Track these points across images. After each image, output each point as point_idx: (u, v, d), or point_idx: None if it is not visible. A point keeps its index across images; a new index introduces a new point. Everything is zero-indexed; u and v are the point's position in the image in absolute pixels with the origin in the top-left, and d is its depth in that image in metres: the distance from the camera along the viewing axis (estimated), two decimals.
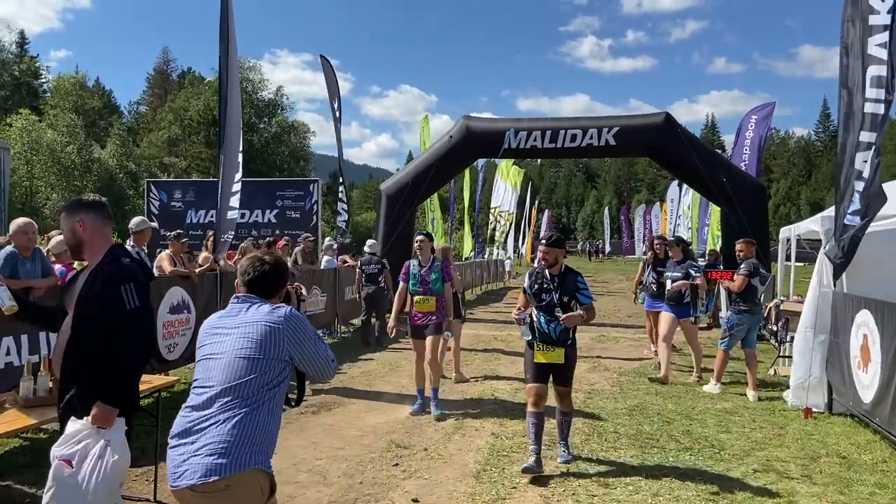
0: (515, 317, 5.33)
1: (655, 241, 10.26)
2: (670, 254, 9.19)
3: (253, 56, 55.48)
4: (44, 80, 61.48)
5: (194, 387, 2.70)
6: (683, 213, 27.60)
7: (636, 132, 14.66)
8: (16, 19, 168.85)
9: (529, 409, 5.29)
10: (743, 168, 15.90)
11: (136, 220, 8.07)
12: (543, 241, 5.36)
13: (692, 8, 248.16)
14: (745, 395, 7.84)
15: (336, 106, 16.56)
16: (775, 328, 10.74)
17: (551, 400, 5.45)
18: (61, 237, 6.74)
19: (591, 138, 14.65)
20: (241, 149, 8.76)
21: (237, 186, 8.78)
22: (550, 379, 5.30)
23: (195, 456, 2.49)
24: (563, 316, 5.05)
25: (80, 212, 3.10)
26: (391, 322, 7.23)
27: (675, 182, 29.80)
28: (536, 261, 5.37)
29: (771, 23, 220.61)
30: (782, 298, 10.96)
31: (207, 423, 2.53)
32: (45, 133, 41.15)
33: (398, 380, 8.65)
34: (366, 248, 11.97)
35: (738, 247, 8.34)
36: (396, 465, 5.38)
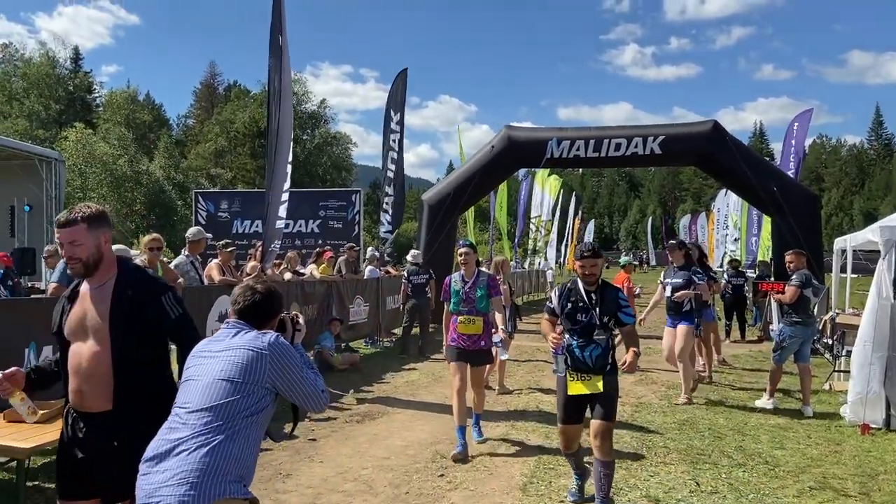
0: (552, 348, 4.70)
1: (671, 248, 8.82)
2: (671, 258, 8.61)
3: (295, 69, 56.34)
4: (97, 95, 63.57)
5: (173, 409, 2.59)
6: (731, 222, 27.06)
7: (683, 141, 14.45)
8: (70, 36, 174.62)
9: (564, 451, 4.83)
10: (790, 175, 15.60)
11: (192, 230, 8.26)
12: (583, 254, 4.61)
13: (738, 14, 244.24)
14: (800, 409, 7.62)
15: (398, 118, 16.29)
16: (830, 342, 10.41)
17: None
18: (120, 247, 6.92)
19: (636, 147, 14.48)
20: (289, 159, 8.91)
21: (285, 196, 8.92)
22: (588, 413, 4.64)
23: (165, 486, 2.35)
24: (626, 365, 4.41)
25: (104, 226, 2.84)
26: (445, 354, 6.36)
27: (723, 191, 29.26)
28: (579, 272, 4.63)
29: (819, 28, 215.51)
30: (837, 311, 10.63)
31: (180, 449, 2.40)
32: (98, 146, 42.46)
33: (441, 390, 8.64)
34: (409, 258, 12.01)
35: (788, 258, 8.14)
36: (442, 475, 5.36)
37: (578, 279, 4.65)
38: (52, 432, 3.47)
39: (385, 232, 16.94)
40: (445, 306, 6.29)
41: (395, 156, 14.82)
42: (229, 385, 2.52)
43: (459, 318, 6.05)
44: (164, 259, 7.47)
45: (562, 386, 4.63)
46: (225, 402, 2.50)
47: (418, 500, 4.87)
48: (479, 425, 6.35)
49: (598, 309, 4.52)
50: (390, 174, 14.72)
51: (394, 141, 14.78)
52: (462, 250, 6.24)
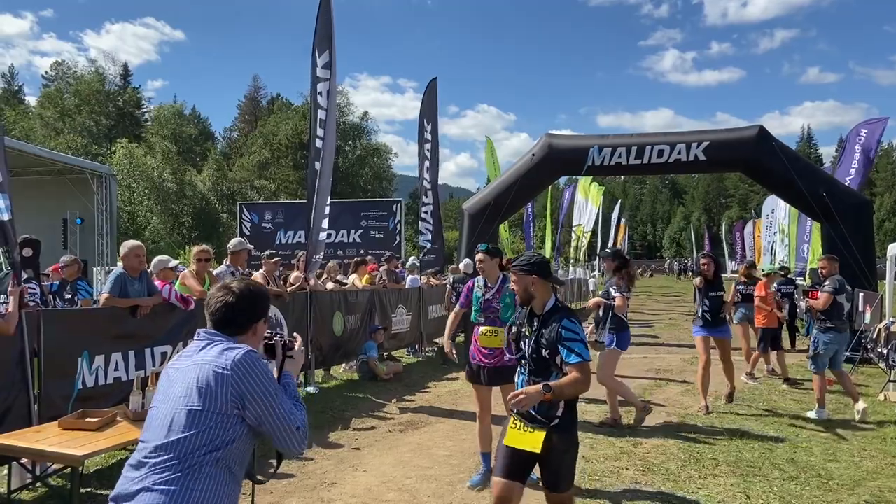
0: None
1: (703, 260, 8.37)
2: (604, 267, 8.54)
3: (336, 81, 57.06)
4: (145, 110, 65.38)
5: (139, 440, 2.31)
6: (780, 229, 26.45)
7: (728, 146, 14.17)
8: (117, 53, 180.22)
9: None
10: (847, 182, 15.11)
11: (234, 241, 8.41)
12: (513, 265, 3.72)
13: (781, 17, 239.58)
14: (853, 417, 7.40)
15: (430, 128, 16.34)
16: (885, 351, 10.08)
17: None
18: (163, 257, 7.09)
19: (680, 153, 14.25)
20: (332, 171, 9.05)
21: (328, 208, 9.05)
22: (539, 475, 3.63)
23: None
24: (514, 397, 3.23)
25: None
26: (446, 346, 6.03)
27: (771, 197, 28.64)
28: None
29: (867, 29, 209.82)
30: (892, 320, 10.29)
31: (138, 489, 2.11)
32: (145, 160, 43.64)
33: None
34: (462, 267, 12.00)
35: (820, 264, 8.07)
36: (484, 487, 5.32)
37: None
38: (104, 440, 3.56)
39: (425, 241, 17.00)
40: (457, 307, 5.80)
41: (429, 164, 14.89)
42: (189, 416, 2.14)
43: (481, 328, 5.40)
44: (212, 270, 7.61)
45: (506, 425, 3.63)
46: (183, 436, 2.12)
47: (457, 495, 4.84)
48: (484, 473, 5.32)
49: (534, 338, 3.49)
50: (426, 184, 14.80)
51: (427, 150, 14.85)
52: (477, 256, 5.53)
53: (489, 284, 5.48)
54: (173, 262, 6.96)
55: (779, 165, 13.66)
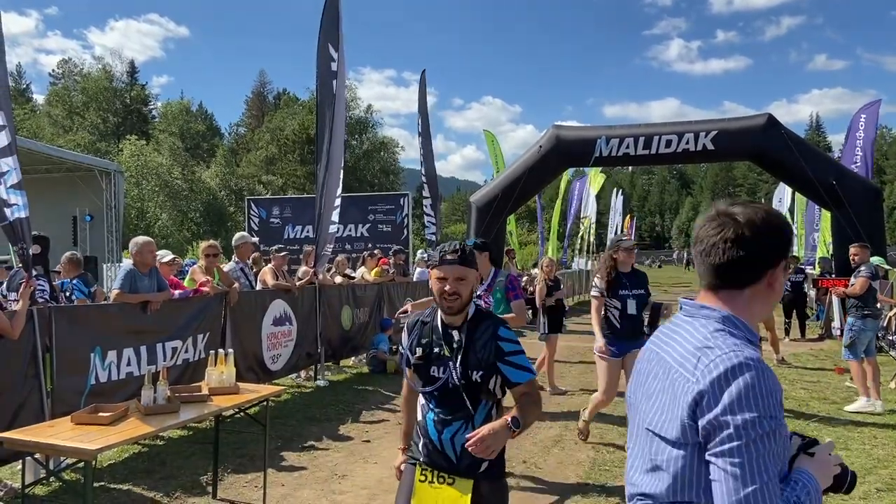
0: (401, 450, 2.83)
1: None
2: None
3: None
4: (152, 107, 65.54)
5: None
6: (787, 218, 26.29)
7: (736, 135, 14.10)
8: (122, 50, 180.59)
9: None
10: (854, 169, 15.03)
11: (236, 236, 8.46)
12: (442, 257, 2.59)
13: (787, 4, 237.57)
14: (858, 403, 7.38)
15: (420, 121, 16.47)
16: (895, 339, 10.04)
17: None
18: (160, 252, 7.11)
19: (688, 143, 14.20)
20: (342, 165, 9.05)
21: (338, 201, 9.05)
22: None
23: None
24: (472, 438, 2.33)
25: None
26: (407, 307, 5.50)
27: (779, 186, 28.48)
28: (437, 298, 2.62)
29: (874, 16, 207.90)
30: None
31: None
32: (152, 157, 43.78)
33: None
34: None
35: (852, 251, 7.93)
36: None
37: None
38: (117, 434, 3.59)
39: (430, 234, 17.03)
40: None
41: (422, 157, 14.89)
42: (655, 448, 1.47)
43: None
44: (221, 265, 7.65)
45: (407, 479, 2.68)
46: (653, 478, 1.47)
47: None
48: None
49: (458, 358, 2.56)
50: (423, 178, 14.84)
51: (421, 144, 14.87)
52: None
53: (483, 280, 5.14)
54: (169, 257, 6.99)
55: (787, 154, 13.60)
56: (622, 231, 38.69)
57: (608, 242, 6.26)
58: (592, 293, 6.02)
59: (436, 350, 2.63)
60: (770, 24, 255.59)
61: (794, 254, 18.90)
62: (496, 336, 2.57)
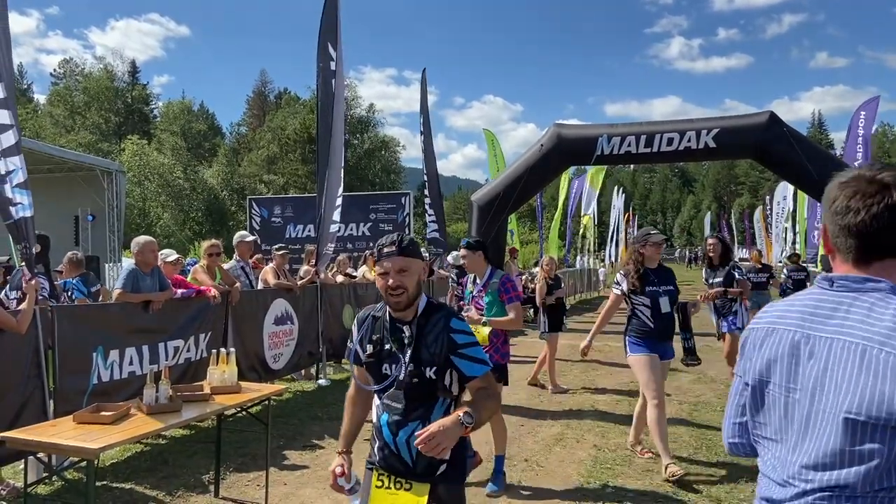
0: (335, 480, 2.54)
1: (710, 241, 8.16)
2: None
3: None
4: (154, 106, 65.62)
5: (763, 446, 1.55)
6: (789, 215, 26.30)
7: (738, 133, 14.04)
8: (123, 50, 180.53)
9: None
10: (856, 167, 15.05)
11: (236, 235, 8.48)
12: (382, 251, 2.45)
13: (788, 1, 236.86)
14: None
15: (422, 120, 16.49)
16: None
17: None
18: (163, 251, 7.13)
19: (689, 141, 14.13)
20: (342, 164, 9.06)
21: (339, 200, 9.06)
22: None
23: None
24: (421, 436, 2.19)
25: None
26: None
27: (781, 184, 28.49)
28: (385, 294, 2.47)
29: (876, 12, 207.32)
30: None
31: None
32: (153, 156, 43.85)
33: None
34: (450, 260, 11.99)
35: None
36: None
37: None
38: (119, 433, 3.59)
39: (432, 232, 17.03)
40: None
41: (423, 156, 14.90)
42: (860, 431, 1.34)
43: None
44: (222, 264, 7.66)
45: (365, 485, 2.57)
46: (860, 468, 1.34)
47: (474, 500, 4.86)
48: (500, 471, 5.08)
49: (410, 354, 2.44)
50: (424, 176, 14.86)
51: (423, 142, 14.89)
52: (461, 252, 5.30)
53: (477, 280, 5.22)
54: (173, 256, 7.01)
55: (790, 151, 13.56)
56: (624, 229, 38.71)
57: (635, 236, 5.83)
58: (615, 290, 5.54)
59: (387, 346, 2.50)
60: (771, 21, 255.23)
61: (797, 251, 18.91)
62: (448, 328, 2.42)
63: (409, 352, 2.44)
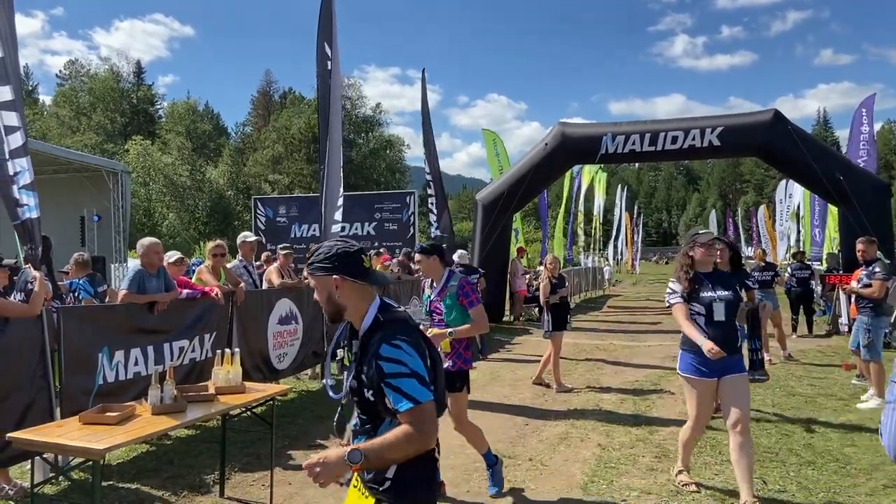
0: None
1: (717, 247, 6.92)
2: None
3: (343, 74, 57.57)
4: (158, 107, 65.78)
5: None
6: (793, 214, 26.21)
7: (742, 131, 14.07)
8: (128, 50, 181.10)
9: None
10: (861, 165, 14.98)
11: (240, 235, 8.51)
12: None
13: None
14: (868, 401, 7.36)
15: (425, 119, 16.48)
16: None
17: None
18: (174, 252, 7.16)
19: (694, 139, 14.18)
20: (341, 163, 9.07)
21: (340, 200, 9.08)
22: None
23: None
24: (310, 466, 2.08)
25: None
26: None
27: (783, 182, 28.41)
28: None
29: (880, 9, 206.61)
30: None
31: None
32: (157, 156, 43.96)
33: (499, 389, 8.63)
34: (456, 258, 12.01)
35: (859, 246, 7.77)
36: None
37: None
38: (125, 433, 3.61)
39: (435, 230, 17.06)
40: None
41: (425, 156, 14.91)
42: None
43: (428, 332, 4.47)
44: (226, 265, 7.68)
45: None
46: None
47: (479, 498, 4.88)
48: (493, 468, 4.99)
49: (354, 371, 2.33)
50: (427, 176, 14.86)
51: (427, 141, 14.91)
52: (416, 258, 5.18)
53: (434, 284, 5.05)
54: (176, 257, 7.04)
55: (794, 149, 13.56)
56: (626, 227, 38.65)
57: (686, 236, 5.17)
58: (672, 300, 4.83)
59: (344, 356, 2.44)
60: (775, 19, 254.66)
61: (801, 249, 18.85)
62: (377, 355, 2.20)
63: (353, 368, 2.33)
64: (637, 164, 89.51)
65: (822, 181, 13.30)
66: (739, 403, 4.53)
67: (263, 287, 8.33)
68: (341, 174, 9.09)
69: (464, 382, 4.89)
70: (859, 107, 16.62)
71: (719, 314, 4.64)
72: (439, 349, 4.32)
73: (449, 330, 4.78)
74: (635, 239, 45.80)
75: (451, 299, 4.85)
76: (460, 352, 4.85)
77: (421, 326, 2.44)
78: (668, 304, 4.88)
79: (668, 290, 4.88)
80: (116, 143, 51.12)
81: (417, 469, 2.27)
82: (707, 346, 4.46)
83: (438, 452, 2.39)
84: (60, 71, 65.17)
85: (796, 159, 13.65)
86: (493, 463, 5.00)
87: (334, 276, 2.32)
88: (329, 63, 8.75)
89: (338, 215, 9.04)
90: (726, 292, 4.70)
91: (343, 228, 10.63)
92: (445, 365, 4.62)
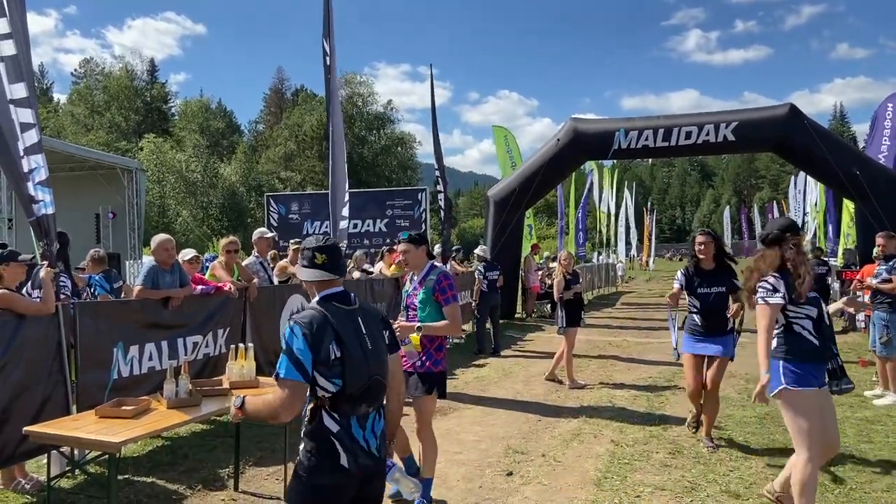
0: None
1: (698, 239, 5.95)
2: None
3: (353, 71, 57.61)
4: (172, 105, 66.14)
5: None
6: (810, 209, 25.98)
7: (758, 126, 13.94)
8: (141, 48, 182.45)
9: None
10: (881, 160, 14.79)
11: (255, 232, 8.55)
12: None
13: None
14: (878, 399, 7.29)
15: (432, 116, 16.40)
16: None
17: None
18: (189, 250, 7.20)
19: (708, 135, 14.08)
20: (345, 159, 9.11)
21: (346, 196, 9.11)
22: None
23: None
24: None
25: None
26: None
27: (793, 177, 28.16)
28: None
29: None
30: None
31: None
32: (170, 154, 44.22)
33: (512, 385, 8.63)
34: (479, 253, 12.01)
35: (879, 241, 7.63)
36: (510, 473, 5.32)
37: None
38: (140, 427, 3.64)
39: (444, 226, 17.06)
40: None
41: (433, 152, 14.90)
42: None
43: (395, 324, 4.33)
44: (240, 261, 7.71)
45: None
46: None
47: (492, 494, 4.88)
48: (425, 489, 4.49)
49: None
50: (436, 172, 14.85)
51: (435, 137, 14.90)
52: (400, 247, 4.78)
53: (414, 277, 4.74)
54: (191, 254, 7.07)
55: (811, 144, 13.42)
56: (636, 226, 38.45)
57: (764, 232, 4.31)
58: (769, 299, 3.98)
59: None
60: (790, 12, 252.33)
61: (818, 245, 18.68)
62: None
63: None
64: (650, 160, 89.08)
65: (838, 176, 13.17)
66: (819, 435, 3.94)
67: (275, 282, 8.36)
68: (345, 169, 9.11)
69: (434, 386, 4.54)
70: (885, 101, 16.23)
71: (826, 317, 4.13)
72: (407, 344, 4.43)
73: (418, 324, 4.53)
74: (651, 236, 45.66)
75: (427, 293, 4.53)
76: (431, 351, 4.54)
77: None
78: (762, 303, 4.00)
79: (760, 286, 4.03)
80: (130, 140, 51.48)
81: (308, 449, 2.77)
82: (764, 377, 3.85)
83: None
84: (76, 69, 65.77)
85: (812, 154, 13.52)
86: (426, 488, 4.55)
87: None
88: (327, 59, 8.76)
89: (345, 211, 9.06)
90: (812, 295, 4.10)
91: (354, 225, 10.66)
92: (411, 364, 4.48)
